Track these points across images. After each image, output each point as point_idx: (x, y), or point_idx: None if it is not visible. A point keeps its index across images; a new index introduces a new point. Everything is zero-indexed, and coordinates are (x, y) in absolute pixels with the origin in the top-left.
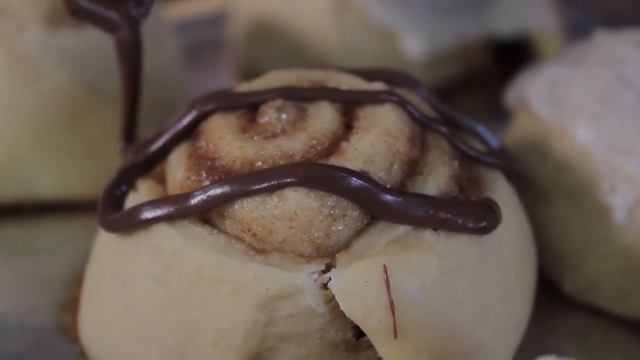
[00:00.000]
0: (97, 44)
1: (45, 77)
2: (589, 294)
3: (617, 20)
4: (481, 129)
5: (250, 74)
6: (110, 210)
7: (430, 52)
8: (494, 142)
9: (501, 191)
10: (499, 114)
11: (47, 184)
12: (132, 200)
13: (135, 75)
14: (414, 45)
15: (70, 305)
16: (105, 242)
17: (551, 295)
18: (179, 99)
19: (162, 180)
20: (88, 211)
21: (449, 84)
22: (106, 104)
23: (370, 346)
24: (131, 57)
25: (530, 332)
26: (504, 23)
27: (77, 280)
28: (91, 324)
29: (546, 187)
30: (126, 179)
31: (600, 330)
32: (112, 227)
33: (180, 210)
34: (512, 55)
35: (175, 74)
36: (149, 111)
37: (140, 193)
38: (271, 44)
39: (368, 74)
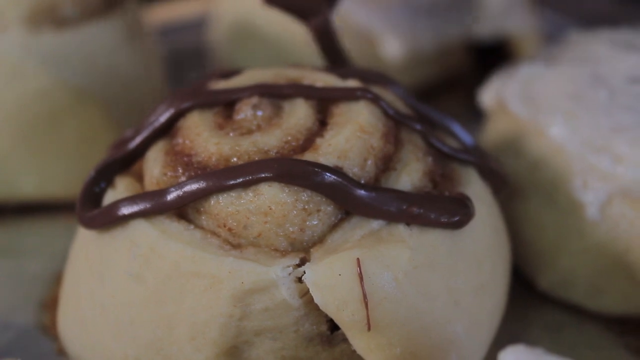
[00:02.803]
0: (78, 45)
1: (27, 77)
2: (563, 290)
3: (595, 22)
4: (455, 127)
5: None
6: (89, 207)
7: (410, 54)
8: (468, 139)
9: (475, 187)
10: (478, 115)
11: (29, 184)
12: (110, 197)
13: (338, 57)
14: (393, 48)
15: (50, 303)
16: (84, 239)
17: (526, 291)
18: (160, 100)
19: (140, 177)
20: (70, 211)
21: (429, 86)
22: (87, 104)
23: (344, 339)
24: (329, 41)
25: (504, 328)
26: (483, 26)
27: (57, 280)
28: (69, 321)
29: (521, 184)
30: (104, 176)
31: (574, 325)
32: (90, 224)
33: (157, 206)
34: (491, 58)
35: (158, 77)
36: (130, 114)
37: (118, 190)
38: (252, 47)
39: (343, 73)
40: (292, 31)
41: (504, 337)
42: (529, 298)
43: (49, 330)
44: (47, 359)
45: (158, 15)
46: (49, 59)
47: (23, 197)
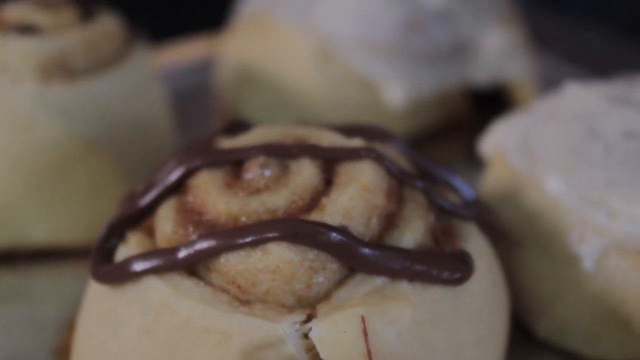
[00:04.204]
0: (89, 97)
1: (39, 128)
2: (560, 338)
3: (591, 63)
4: (456, 181)
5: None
6: (102, 262)
7: (411, 100)
8: (469, 193)
9: (474, 242)
10: (477, 160)
11: (40, 231)
12: (122, 252)
13: None
14: (395, 94)
15: (61, 350)
16: (97, 292)
17: (524, 338)
18: (167, 146)
19: (151, 233)
20: (79, 258)
21: (429, 131)
22: (97, 154)
23: None
24: None
25: None
26: (482, 72)
27: (68, 326)
28: None
29: (519, 235)
30: (116, 233)
31: None
32: (103, 279)
33: (169, 263)
34: (490, 103)
35: (166, 124)
36: (139, 162)
37: (130, 245)
38: (256, 91)
39: (346, 130)
40: (295, 76)
41: None
42: (527, 345)
43: None
44: None
45: (163, 58)
46: (61, 110)
47: (34, 243)
